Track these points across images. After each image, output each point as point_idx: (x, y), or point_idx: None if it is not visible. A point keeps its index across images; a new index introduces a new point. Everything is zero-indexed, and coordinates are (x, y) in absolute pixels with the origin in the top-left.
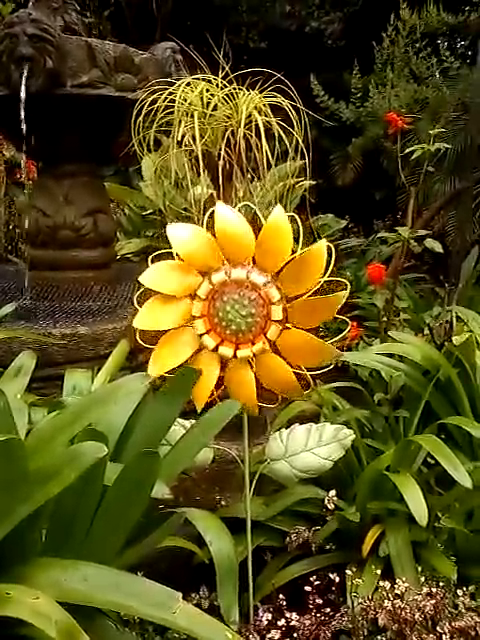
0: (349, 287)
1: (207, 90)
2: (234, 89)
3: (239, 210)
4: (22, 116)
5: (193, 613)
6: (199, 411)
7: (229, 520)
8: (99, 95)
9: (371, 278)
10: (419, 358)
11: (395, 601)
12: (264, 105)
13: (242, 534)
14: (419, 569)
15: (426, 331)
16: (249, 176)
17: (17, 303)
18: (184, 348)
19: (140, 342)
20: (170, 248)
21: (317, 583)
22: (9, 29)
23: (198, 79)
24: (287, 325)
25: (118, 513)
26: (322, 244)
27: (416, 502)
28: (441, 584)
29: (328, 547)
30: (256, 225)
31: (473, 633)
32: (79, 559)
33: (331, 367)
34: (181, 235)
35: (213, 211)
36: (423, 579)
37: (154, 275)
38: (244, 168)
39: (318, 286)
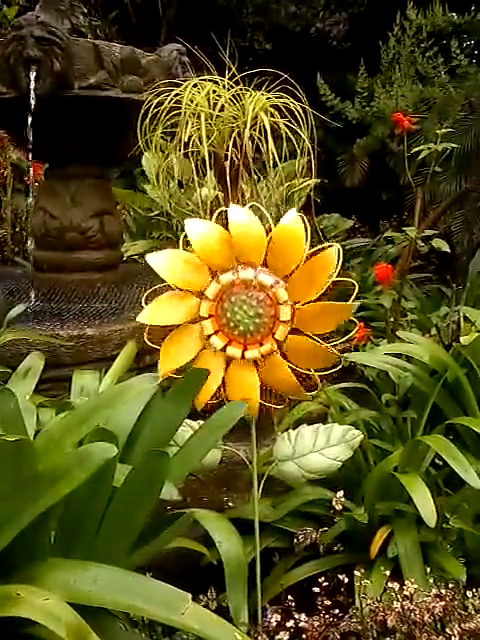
0: (356, 287)
1: (214, 91)
2: (241, 90)
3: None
4: (29, 118)
5: (202, 614)
6: (199, 411)
7: (237, 521)
8: (106, 97)
9: (378, 278)
10: (427, 358)
11: (404, 602)
12: (272, 105)
13: (250, 535)
14: (428, 570)
15: (434, 331)
16: (255, 177)
17: (25, 305)
18: (192, 345)
19: (148, 343)
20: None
21: (325, 584)
22: (17, 31)
23: (205, 80)
24: (295, 328)
25: (127, 514)
26: (334, 249)
27: (424, 503)
28: (450, 585)
29: (336, 548)
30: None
31: None
32: (88, 560)
33: (339, 368)
34: (199, 229)
35: (221, 212)
36: (432, 580)
37: (163, 261)
38: (251, 169)
39: (326, 288)
